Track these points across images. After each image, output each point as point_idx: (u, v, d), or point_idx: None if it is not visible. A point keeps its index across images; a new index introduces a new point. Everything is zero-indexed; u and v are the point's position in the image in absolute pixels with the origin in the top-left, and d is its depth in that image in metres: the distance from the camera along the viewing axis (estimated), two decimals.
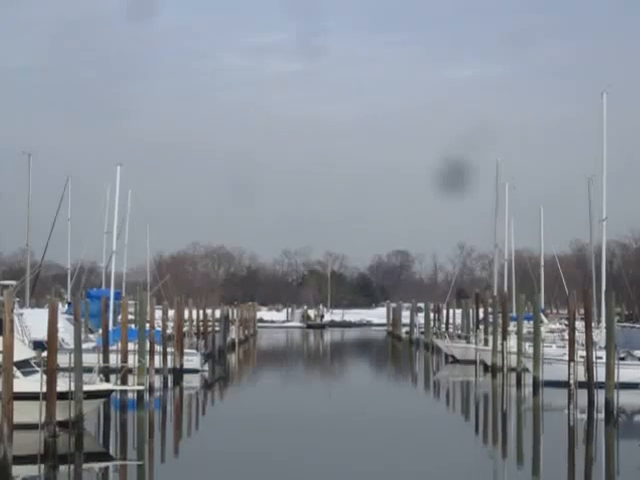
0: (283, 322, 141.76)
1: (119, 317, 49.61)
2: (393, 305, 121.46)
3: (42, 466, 25.87)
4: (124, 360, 40.84)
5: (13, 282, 39.61)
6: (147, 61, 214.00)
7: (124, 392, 38.48)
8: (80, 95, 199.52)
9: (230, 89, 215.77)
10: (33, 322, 43.15)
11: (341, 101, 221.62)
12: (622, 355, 42.27)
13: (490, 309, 62.27)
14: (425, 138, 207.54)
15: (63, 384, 28.74)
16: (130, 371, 40.15)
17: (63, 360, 29.35)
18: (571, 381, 41.61)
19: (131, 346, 43.21)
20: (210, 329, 73.65)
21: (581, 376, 40.90)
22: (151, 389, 42.79)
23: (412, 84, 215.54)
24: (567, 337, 46.69)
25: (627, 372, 38.76)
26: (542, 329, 52.80)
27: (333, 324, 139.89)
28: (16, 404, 24.82)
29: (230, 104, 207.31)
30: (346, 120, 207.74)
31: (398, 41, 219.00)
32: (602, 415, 35.60)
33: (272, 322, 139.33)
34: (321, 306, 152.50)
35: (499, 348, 54.48)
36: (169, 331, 53.02)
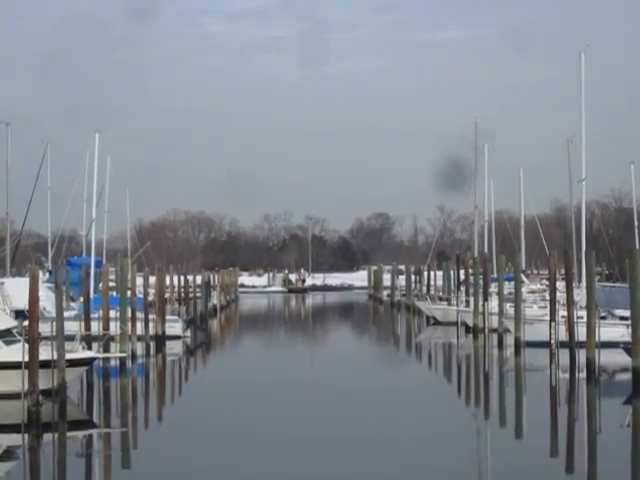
0: (264, 287, 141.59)
1: (100, 285, 49.43)
2: (374, 268, 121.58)
3: (26, 435, 25.83)
4: (106, 328, 40.70)
5: None
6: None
7: (106, 360, 38.41)
8: (59, 61, 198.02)
9: (210, 54, 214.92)
10: (14, 291, 43.06)
11: (323, 65, 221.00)
12: (603, 314, 42.43)
13: (471, 270, 62.36)
14: (406, 101, 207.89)
15: (45, 353, 28.67)
16: (112, 338, 40.07)
17: (45, 329, 29.22)
18: (552, 341, 41.76)
19: (112, 313, 43.13)
20: (191, 295, 73.51)
21: (562, 336, 41.09)
22: (133, 356, 42.76)
23: (393, 47, 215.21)
24: (548, 297, 46.81)
25: (608, 331, 38.80)
26: (523, 290, 52.93)
27: (314, 288, 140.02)
28: None
29: (211, 69, 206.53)
30: (327, 83, 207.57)
31: (381, 5, 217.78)
32: (583, 374, 35.74)
33: (253, 287, 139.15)
34: (302, 270, 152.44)
35: (480, 309, 54.65)
36: (150, 298, 52.93)
